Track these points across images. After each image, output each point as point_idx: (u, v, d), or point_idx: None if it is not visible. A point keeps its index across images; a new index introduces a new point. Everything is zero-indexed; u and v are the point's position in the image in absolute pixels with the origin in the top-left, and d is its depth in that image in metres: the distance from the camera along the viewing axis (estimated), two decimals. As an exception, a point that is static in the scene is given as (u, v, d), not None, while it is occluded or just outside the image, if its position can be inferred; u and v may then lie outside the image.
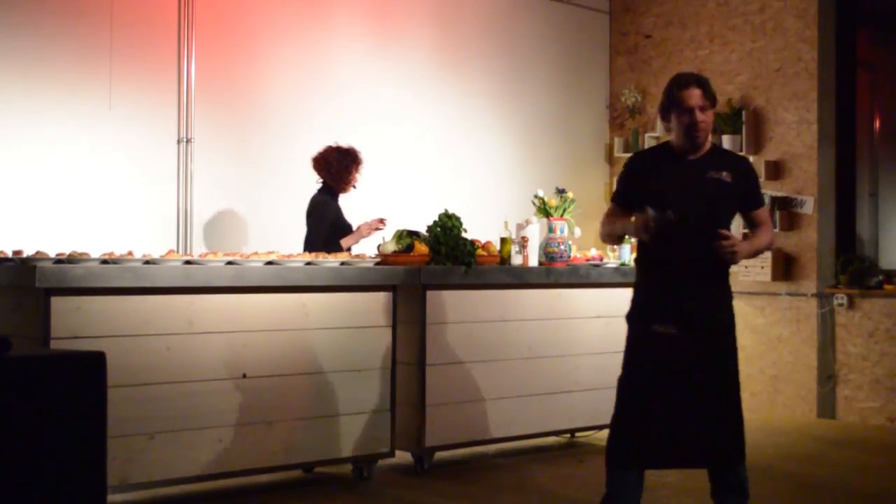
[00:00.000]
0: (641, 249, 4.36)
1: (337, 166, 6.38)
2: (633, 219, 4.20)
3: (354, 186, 6.47)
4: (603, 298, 6.45)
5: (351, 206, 7.13)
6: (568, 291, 6.28)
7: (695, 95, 4.16)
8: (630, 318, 4.32)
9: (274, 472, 5.29)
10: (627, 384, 4.28)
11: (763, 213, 4.44)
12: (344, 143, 6.44)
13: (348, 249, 6.32)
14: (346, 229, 6.41)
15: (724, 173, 4.22)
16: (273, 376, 5.07)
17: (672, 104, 4.21)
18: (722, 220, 4.26)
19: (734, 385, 4.42)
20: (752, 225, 4.45)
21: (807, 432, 7.21)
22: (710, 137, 4.29)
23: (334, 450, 5.30)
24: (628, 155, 8.83)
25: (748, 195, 4.34)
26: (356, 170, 6.43)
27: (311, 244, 6.35)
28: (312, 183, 6.67)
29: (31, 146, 5.96)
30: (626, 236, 4.98)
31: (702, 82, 4.21)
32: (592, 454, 6.35)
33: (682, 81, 4.21)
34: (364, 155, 6.48)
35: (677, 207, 4.09)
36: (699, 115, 4.16)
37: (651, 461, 4.38)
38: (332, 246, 6.21)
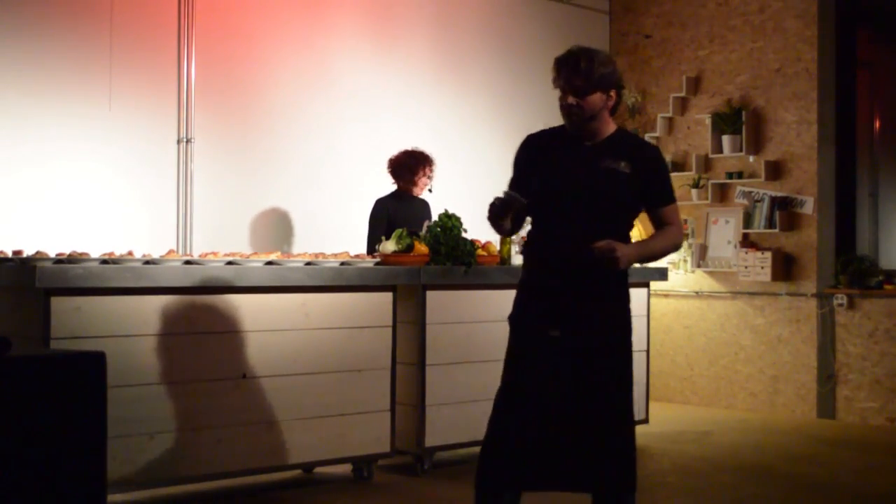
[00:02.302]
0: (526, 245, 3.86)
1: (404, 167, 6.56)
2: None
3: (428, 188, 6.61)
4: (603, 298, 6.43)
5: (351, 205, 7.13)
6: (568, 291, 6.27)
7: (566, 75, 3.67)
8: (511, 319, 3.80)
9: (274, 472, 5.29)
10: (505, 395, 3.70)
11: (670, 211, 3.88)
12: (416, 147, 6.62)
13: None
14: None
15: (622, 163, 3.70)
16: (273, 376, 5.07)
17: (554, 81, 3.74)
18: (613, 216, 3.73)
19: (626, 400, 3.73)
20: (656, 224, 3.91)
21: (807, 432, 7.21)
22: (609, 121, 3.77)
23: (334, 450, 5.30)
24: (628, 155, 8.89)
25: (651, 189, 3.79)
26: (422, 171, 6.57)
27: (367, 245, 6.49)
28: (313, 183, 6.68)
29: (31, 146, 5.95)
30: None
31: (576, 61, 3.66)
32: (592, 454, 6.35)
33: (559, 60, 3.71)
34: (432, 156, 6.61)
35: (561, 197, 3.66)
36: (570, 98, 3.65)
37: (529, 483, 3.69)
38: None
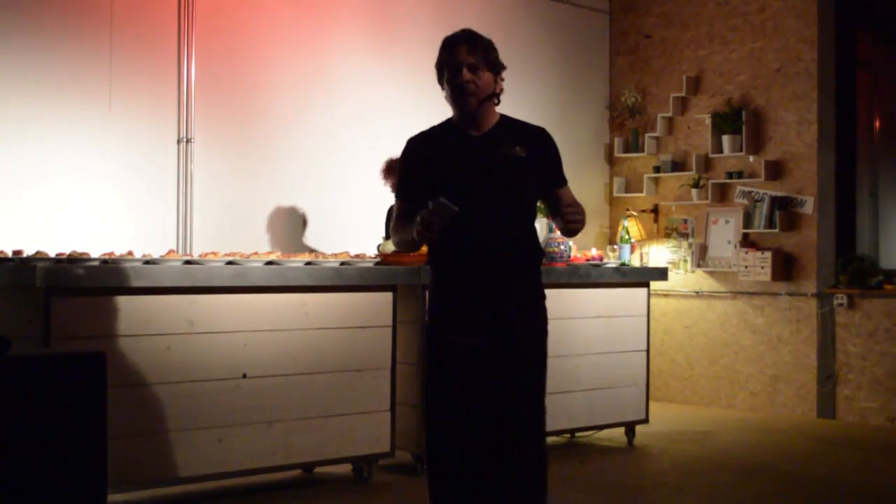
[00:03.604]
0: (433, 247, 3.66)
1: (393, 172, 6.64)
2: (418, 218, 3.39)
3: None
4: (603, 298, 6.45)
5: (351, 205, 7.13)
6: (568, 291, 6.28)
7: (461, 51, 3.55)
8: (428, 329, 3.64)
9: (274, 472, 5.29)
10: (430, 410, 3.60)
11: (569, 191, 3.73)
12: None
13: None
14: None
15: (518, 147, 3.58)
16: (273, 376, 5.07)
17: (443, 67, 3.61)
18: (522, 204, 3.59)
19: (539, 409, 3.61)
20: (557, 206, 3.67)
21: (807, 432, 7.21)
22: (494, 110, 3.67)
23: (334, 450, 5.30)
24: (629, 155, 8.90)
25: (549, 171, 3.67)
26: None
27: None
28: (313, 182, 6.67)
29: (31, 146, 5.95)
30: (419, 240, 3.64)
31: (472, 38, 3.61)
32: (592, 454, 6.35)
33: (450, 40, 3.62)
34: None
35: (464, 193, 3.47)
36: (466, 74, 3.52)
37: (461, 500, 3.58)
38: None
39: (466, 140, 3.60)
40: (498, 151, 3.56)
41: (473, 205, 3.47)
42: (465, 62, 3.54)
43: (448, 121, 3.70)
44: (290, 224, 7.03)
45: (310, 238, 7.00)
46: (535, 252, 3.64)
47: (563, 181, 3.72)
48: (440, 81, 3.65)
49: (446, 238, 3.51)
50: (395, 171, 6.67)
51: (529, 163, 3.58)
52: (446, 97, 3.62)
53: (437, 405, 3.58)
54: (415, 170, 3.63)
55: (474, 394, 3.50)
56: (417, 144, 3.68)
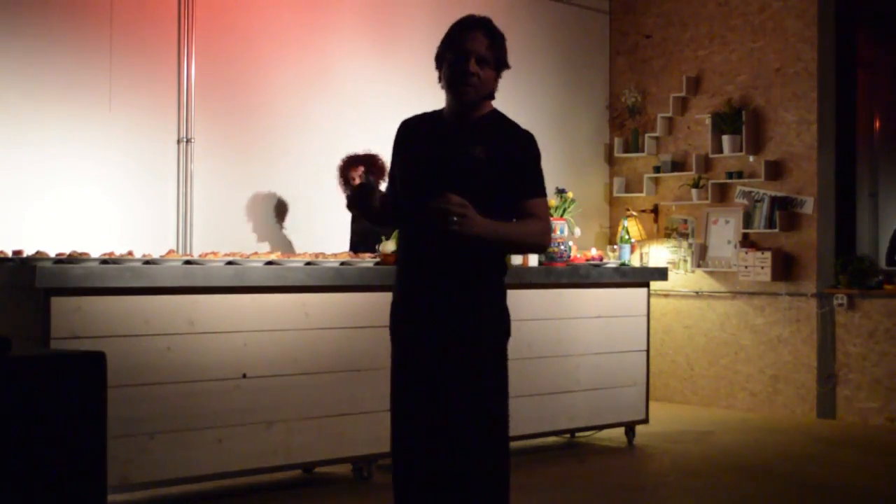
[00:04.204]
0: (399, 246, 3.52)
1: (342, 174, 6.73)
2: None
3: (351, 185, 6.63)
4: (603, 298, 6.45)
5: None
6: (568, 291, 6.28)
7: (475, 39, 3.29)
8: (390, 329, 3.51)
9: (274, 472, 5.29)
10: (391, 410, 3.44)
11: (536, 205, 3.30)
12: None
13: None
14: (367, 235, 6.42)
15: (479, 148, 3.27)
16: (273, 376, 5.07)
17: (448, 47, 3.33)
18: (477, 208, 3.15)
19: (503, 411, 3.48)
20: (521, 218, 3.31)
21: (807, 432, 7.21)
22: (487, 103, 3.41)
23: (334, 450, 5.30)
24: (629, 155, 8.90)
25: (514, 178, 3.28)
26: (351, 173, 6.66)
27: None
28: (313, 182, 6.67)
29: (32, 146, 5.95)
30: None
31: (490, 29, 3.35)
32: (592, 454, 6.36)
33: (467, 22, 3.35)
34: (364, 154, 6.64)
35: (417, 187, 3.30)
36: (473, 66, 3.27)
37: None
38: (361, 248, 6.27)
39: (444, 132, 3.36)
40: (458, 148, 3.30)
41: (423, 199, 3.22)
42: (475, 52, 3.29)
43: (443, 109, 3.47)
44: (290, 223, 7.03)
45: (310, 238, 6.99)
46: (489, 258, 3.34)
47: (532, 194, 3.31)
48: (440, 60, 3.39)
49: (405, 232, 3.44)
50: (345, 170, 6.72)
51: (495, 166, 3.27)
52: (441, 78, 3.38)
53: (393, 409, 3.43)
54: (395, 152, 3.49)
55: (420, 398, 3.33)
56: (404, 127, 3.51)
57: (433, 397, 3.32)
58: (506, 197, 3.29)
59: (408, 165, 3.38)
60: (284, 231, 7.02)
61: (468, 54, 3.29)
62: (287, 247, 6.94)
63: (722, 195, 8.38)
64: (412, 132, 3.44)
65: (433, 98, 8.74)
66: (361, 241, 6.49)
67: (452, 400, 3.32)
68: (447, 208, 3.06)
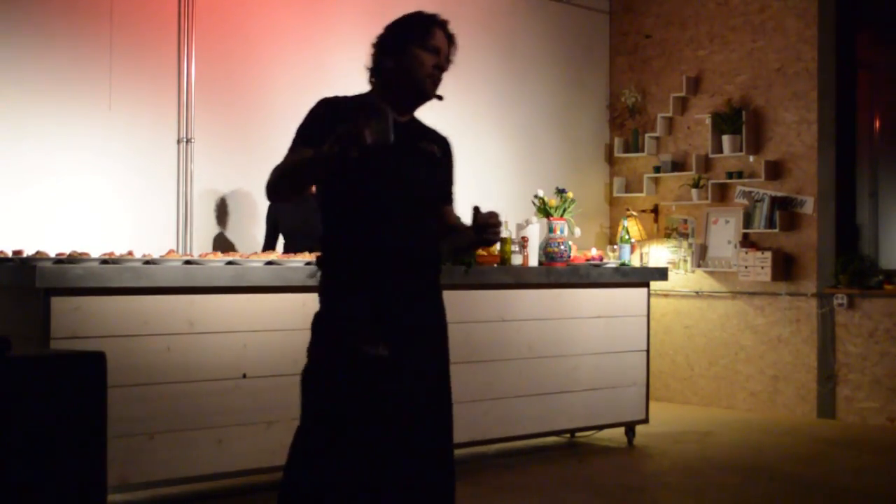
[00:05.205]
0: (333, 242, 3.16)
1: None
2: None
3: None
4: (603, 298, 6.45)
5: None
6: (568, 291, 6.28)
7: (442, 38, 3.22)
8: (329, 337, 3.10)
9: (274, 473, 5.28)
10: (324, 439, 3.11)
11: (453, 213, 3.32)
12: None
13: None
14: (296, 232, 6.38)
15: (435, 147, 3.25)
16: (273, 376, 5.07)
17: (416, 39, 3.19)
18: (433, 205, 3.21)
19: (451, 422, 3.24)
20: (442, 224, 3.27)
21: (807, 432, 7.21)
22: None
23: (334, 450, 5.29)
24: (629, 155, 8.90)
25: (446, 183, 3.31)
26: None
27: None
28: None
29: (32, 146, 5.95)
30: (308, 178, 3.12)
31: (453, 38, 3.26)
32: (592, 454, 6.35)
33: (440, 20, 3.24)
34: None
35: (393, 182, 3.12)
36: (442, 67, 3.22)
37: None
38: (291, 248, 6.21)
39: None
40: (418, 145, 3.22)
41: (393, 196, 3.10)
42: (443, 51, 3.21)
43: (366, 96, 3.24)
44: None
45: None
46: (439, 257, 3.26)
47: (452, 200, 3.34)
48: (389, 51, 3.23)
49: (357, 233, 3.11)
50: None
51: (442, 165, 3.27)
52: (394, 68, 3.20)
53: (336, 427, 3.08)
54: (319, 127, 3.07)
55: (381, 411, 3.05)
56: (332, 108, 3.16)
57: (404, 408, 3.09)
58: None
59: (368, 158, 2.95)
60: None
61: (440, 52, 3.21)
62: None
63: (722, 195, 8.38)
64: (345, 117, 2.97)
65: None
66: (291, 238, 6.34)
67: (425, 409, 3.13)
68: (494, 228, 3.06)
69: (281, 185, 3.09)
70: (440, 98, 3.25)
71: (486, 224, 3.06)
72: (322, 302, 3.15)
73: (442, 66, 3.21)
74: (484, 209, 3.11)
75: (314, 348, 3.13)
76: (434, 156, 3.24)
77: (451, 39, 3.25)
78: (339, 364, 3.06)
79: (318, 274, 3.20)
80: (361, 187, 3.10)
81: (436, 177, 3.24)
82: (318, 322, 3.13)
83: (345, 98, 3.24)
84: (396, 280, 3.11)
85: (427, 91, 3.20)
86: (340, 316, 3.09)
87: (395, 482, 3.09)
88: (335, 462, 3.07)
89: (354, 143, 2.82)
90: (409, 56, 3.18)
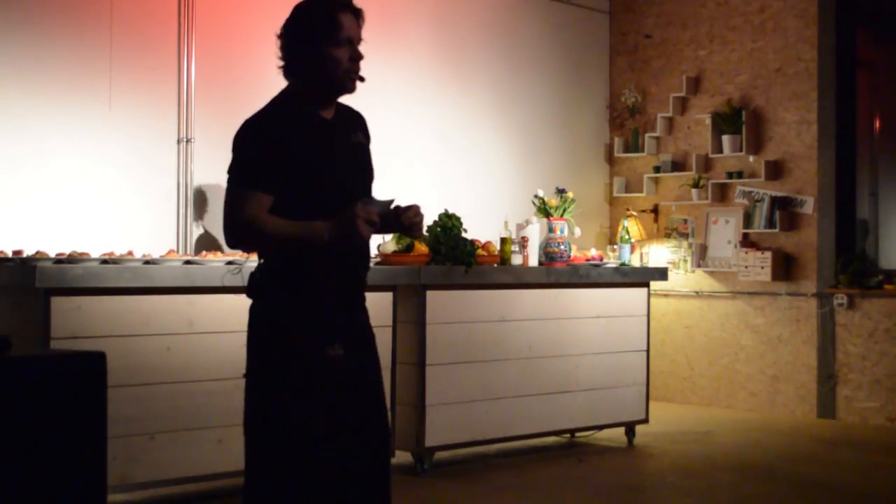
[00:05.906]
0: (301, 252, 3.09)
1: None
2: (319, 224, 2.94)
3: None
4: (603, 298, 6.45)
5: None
6: (568, 291, 6.28)
7: (358, 28, 3.05)
8: (282, 342, 3.10)
9: (274, 472, 5.28)
10: (285, 453, 2.98)
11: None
12: None
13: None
14: None
15: (360, 134, 3.18)
16: (273, 376, 5.06)
17: (325, 37, 2.99)
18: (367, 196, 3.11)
19: (388, 432, 3.24)
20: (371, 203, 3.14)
21: (807, 432, 7.21)
22: None
23: (334, 450, 5.29)
24: (629, 155, 8.90)
25: (372, 169, 3.30)
26: None
27: None
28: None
29: (31, 146, 5.95)
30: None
31: (358, 11, 3.08)
32: (592, 454, 6.35)
33: (353, 5, 3.06)
34: None
35: (345, 183, 3.07)
36: (359, 53, 3.06)
37: None
38: None
39: (321, 123, 3.07)
40: (350, 139, 3.13)
41: (346, 197, 3.00)
42: (358, 38, 3.04)
43: (283, 99, 3.14)
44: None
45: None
46: (370, 254, 3.25)
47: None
48: (309, 50, 3.03)
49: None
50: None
51: (369, 154, 3.22)
52: (308, 69, 3.05)
53: (297, 432, 2.98)
54: (276, 156, 2.99)
55: (339, 412, 3.03)
56: (268, 129, 3.07)
57: (359, 410, 3.10)
58: None
59: (323, 163, 3.00)
60: None
61: (353, 41, 3.04)
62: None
63: (722, 195, 8.38)
64: (289, 128, 3.02)
65: (433, 98, 8.75)
66: None
67: (376, 410, 3.17)
68: (421, 216, 3.13)
69: (255, 244, 3.11)
70: (362, 79, 3.10)
71: (412, 224, 3.11)
72: (265, 303, 3.18)
73: (358, 55, 3.05)
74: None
75: (261, 351, 3.15)
76: (365, 147, 3.19)
77: (358, 15, 3.05)
78: (292, 365, 3.05)
79: (259, 276, 3.20)
80: (305, 194, 3.02)
81: (369, 171, 3.23)
82: (263, 325, 3.16)
83: (269, 112, 3.14)
84: (340, 280, 3.09)
85: (349, 87, 3.07)
86: (289, 317, 3.09)
87: (350, 486, 3.04)
88: (299, 469, 3.00)
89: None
90: (322, 57, 3.01)
